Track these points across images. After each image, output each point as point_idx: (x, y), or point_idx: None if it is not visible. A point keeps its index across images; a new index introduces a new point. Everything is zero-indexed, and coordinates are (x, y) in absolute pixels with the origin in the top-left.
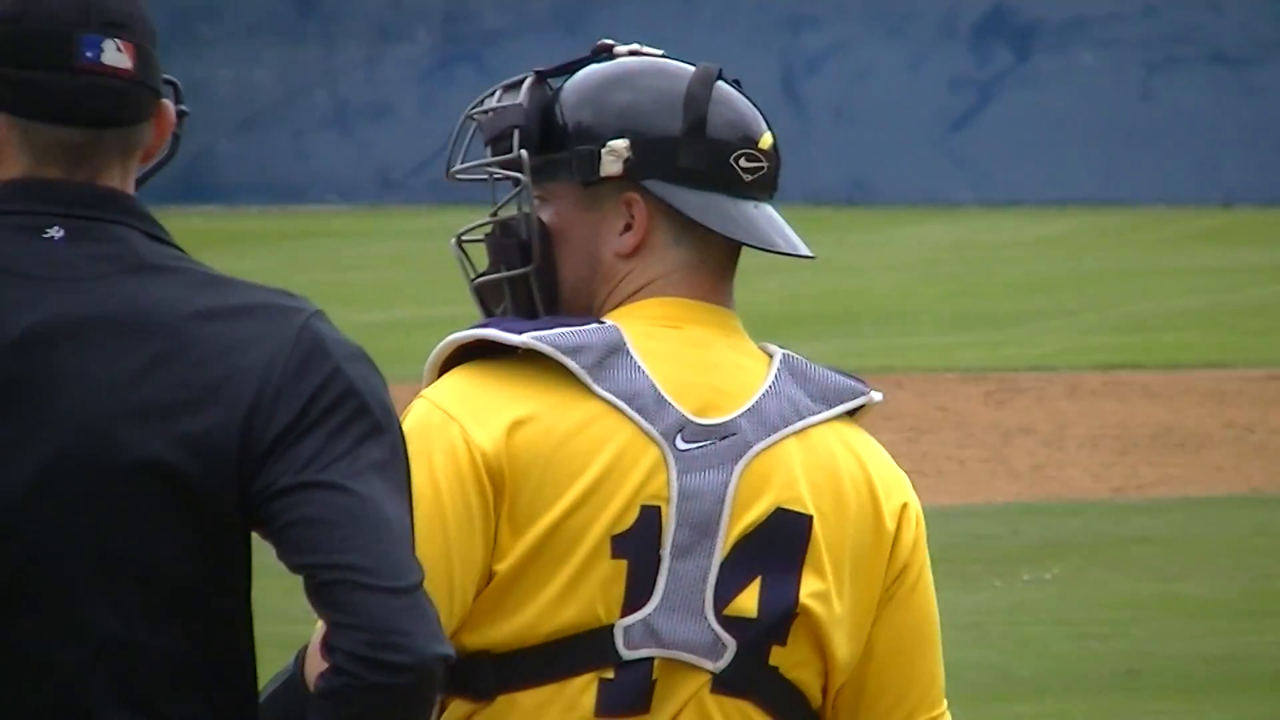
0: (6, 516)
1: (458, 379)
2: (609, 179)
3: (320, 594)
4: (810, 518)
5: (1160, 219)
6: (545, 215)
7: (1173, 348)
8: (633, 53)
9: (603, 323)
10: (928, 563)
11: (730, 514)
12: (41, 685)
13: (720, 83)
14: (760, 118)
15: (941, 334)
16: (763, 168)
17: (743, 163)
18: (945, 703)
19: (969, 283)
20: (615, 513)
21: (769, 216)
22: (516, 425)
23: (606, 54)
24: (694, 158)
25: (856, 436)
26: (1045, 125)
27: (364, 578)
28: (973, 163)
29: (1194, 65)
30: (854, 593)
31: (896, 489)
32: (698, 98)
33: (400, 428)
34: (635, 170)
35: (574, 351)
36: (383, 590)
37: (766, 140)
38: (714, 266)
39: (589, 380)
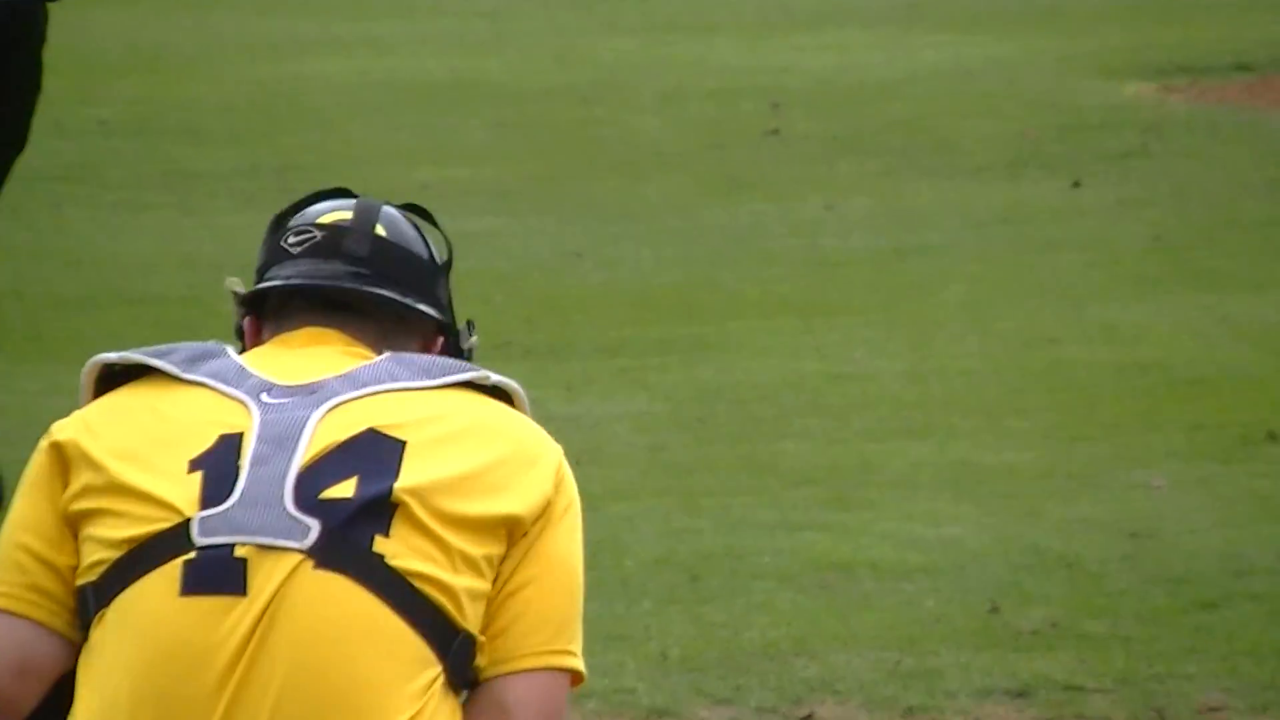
0: None
1: (94, 405)
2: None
3: None
4: (404, 443)
5: None
6: None
7: None
8: None
9: (216, 343)
10: (568, 516)
11: (313, 434)
12: None
13: (350, 197)
14: (350, 208)
15: None
16: (313, 236)
17: (290, 239)
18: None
19: None
20: (192, 439)
21: (318, 265)
22: (96, 421)
23: None
24: (262, 256)
25: (480, 400)
26: None
27: None
28: None
29: None
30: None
31: (544, 450)
32: (284, 215)
33: None
34: (246, 299)
35: (162, 355)
36: None
37: (328, 217)
38: (310, 332)
39: (177, 371)
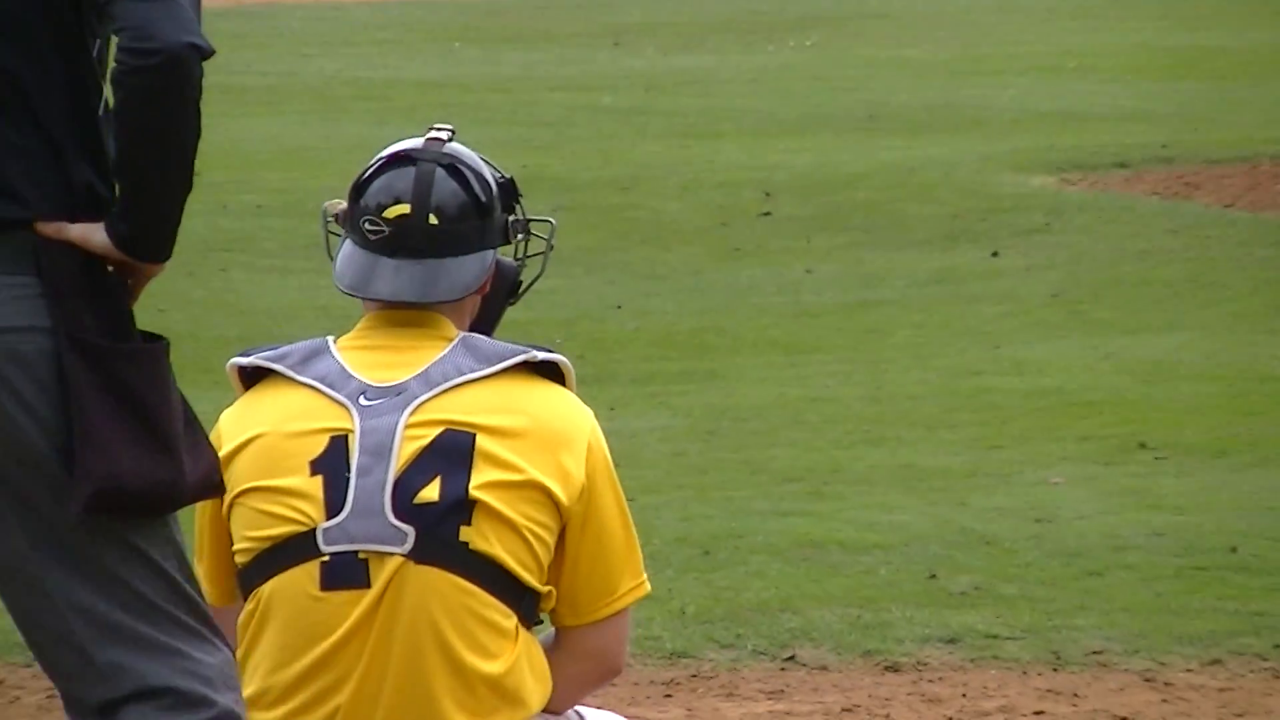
0: None
1: (236, 404)
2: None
3: (106, 8)
4: (474, 434)
5: None
6: None
7: None
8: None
9: (323, 339)
10: (607, 477)
11: (401, 440)
12: None
13: (411, 165)
14: (409, 194)
15: None
16: (382, 231)
17: (366, 225)
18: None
19: None
20: (310, 444)
21: (385, 267)
22: (240, 422)
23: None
24: (348, 217)
25: (531, 389)
26: None
27: None
28: None
29: None
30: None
31: (576, 425)
32: (363, 173)
33: None
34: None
35: (279, 358)
36: None
37: (393, 211)
38: (393, 315)
39: (292, 374)
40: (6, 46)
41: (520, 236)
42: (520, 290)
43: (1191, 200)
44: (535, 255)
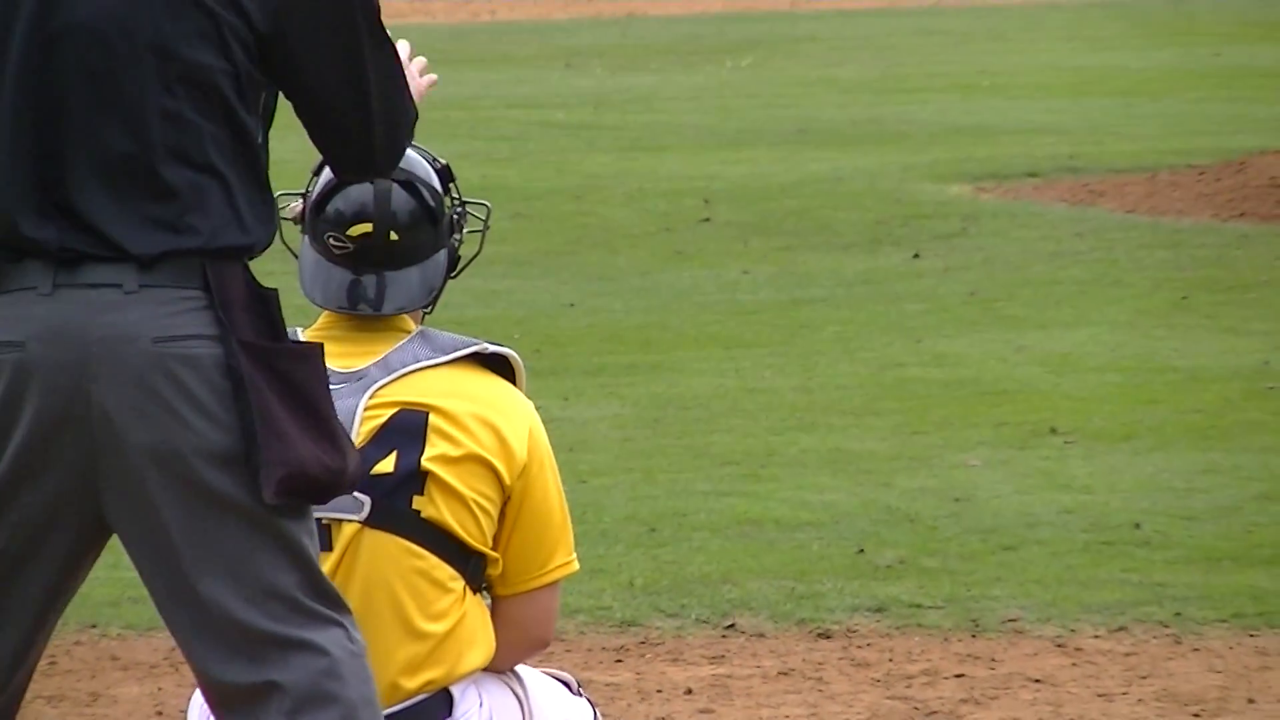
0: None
1: None
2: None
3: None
4: (427, 413)
5: None
6: None
7: None
8: None
9: (292, 330)
10: (546, 461)
11: (360, 421)
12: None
13: (369, 183)
14: (371, 212)
15: None
16: (347, 248)
17: (330, 241)
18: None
19: None
20: None
21: (350, 282)
22: None
23: None
24: (310, 227)
25: (480, 378)
26: None
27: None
28: None
29: None
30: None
31: (517, 416)
32: (323, 188)
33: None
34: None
35: None
36: (350, 140)
37: (356, 230)
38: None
39: None
40: (192, 103)
41: (459, 218)
42: (460, 266)
43: (1096, 206)
44: (474, 232)
